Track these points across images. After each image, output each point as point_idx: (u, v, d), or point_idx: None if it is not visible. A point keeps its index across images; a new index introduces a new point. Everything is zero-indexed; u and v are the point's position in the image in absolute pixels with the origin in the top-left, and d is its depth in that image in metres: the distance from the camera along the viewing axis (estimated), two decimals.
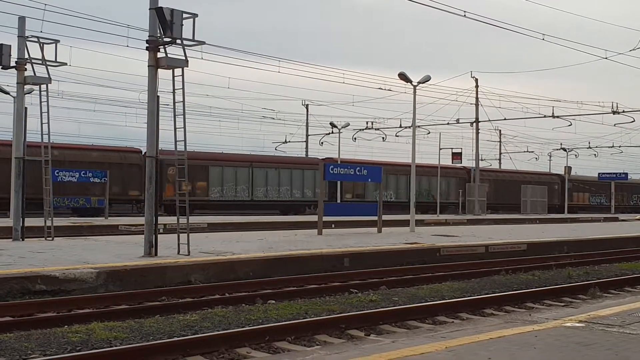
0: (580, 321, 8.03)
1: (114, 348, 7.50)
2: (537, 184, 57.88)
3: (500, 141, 70.14)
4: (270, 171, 44.65)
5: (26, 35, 17.80)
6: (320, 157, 50.05)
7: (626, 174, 64.50)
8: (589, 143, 65.01)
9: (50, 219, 18.03)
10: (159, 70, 14.83)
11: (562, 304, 11.87)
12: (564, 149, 63.95)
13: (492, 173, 58.26)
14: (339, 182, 42.63)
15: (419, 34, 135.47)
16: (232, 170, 42.77)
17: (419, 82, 26.63)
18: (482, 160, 56.25)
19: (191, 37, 14.80)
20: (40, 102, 17.70)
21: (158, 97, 14.98)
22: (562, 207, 58.41)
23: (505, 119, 51.26)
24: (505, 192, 56.64)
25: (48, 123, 17.68)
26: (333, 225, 26.71)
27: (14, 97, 23.03)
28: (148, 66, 14.80)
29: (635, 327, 7.71)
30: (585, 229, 30.49)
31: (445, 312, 10.51)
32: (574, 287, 13.32)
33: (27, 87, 18.71)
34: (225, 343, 7.96)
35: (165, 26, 14.31)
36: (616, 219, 48.64)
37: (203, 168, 40.89)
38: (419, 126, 40.05)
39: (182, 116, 14.68)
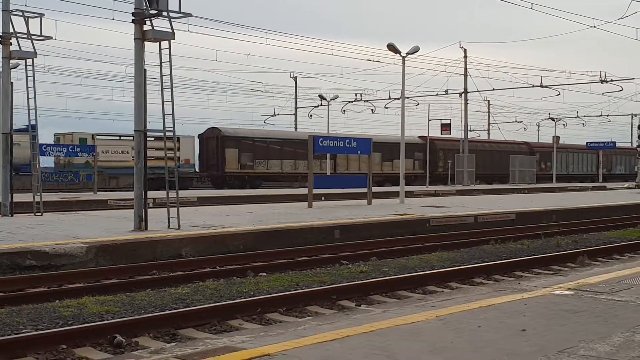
0: (569, 289, 8.10)
1: (106, 322, 7.51)
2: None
3: (489, 111, 70.24)
4: None
5: (10, 9, 17.58)
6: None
7: (614, 142, 64.70)
8: (577, 112, 65.28)
9: (39, 194, 17.97)
10: (146, 43, 14.70)
11: (551, 272, 11.95)
12: (552, 119, 64.09)
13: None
14: (328, 155, 42.40)
15: (407, 4, 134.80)
16: None
17: (408, 53, 26.52)
18: (470, 131, 56.09)
19: (177, 9, 14.67)
20: (27, 76, 17.55)
21: (145, 70, 14.89)
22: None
23: (493, 89, 51.23)
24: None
25: (35, 98, 17.55)
26: (323, 198, 26.72)
27: None
28: (134, 39, 14.67)
29: (623, 294, 7.79)
30: (573, 198, 30.66)
31: (435, 281, 10.58)
32: (562, 256, 13.42)
33: (12, 61, 18.48)
34: (218, 315, 8.00)
35: None
36: (604, 188, 48.91)
37: None
38: (407, 97, 39.92)
39: (169, 89, 14.61)
